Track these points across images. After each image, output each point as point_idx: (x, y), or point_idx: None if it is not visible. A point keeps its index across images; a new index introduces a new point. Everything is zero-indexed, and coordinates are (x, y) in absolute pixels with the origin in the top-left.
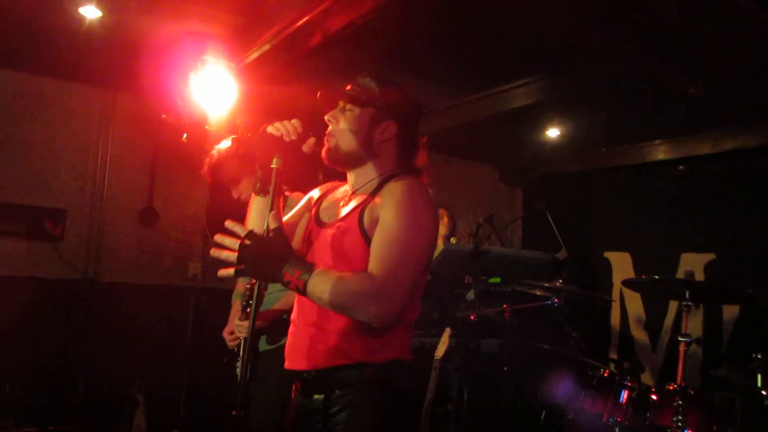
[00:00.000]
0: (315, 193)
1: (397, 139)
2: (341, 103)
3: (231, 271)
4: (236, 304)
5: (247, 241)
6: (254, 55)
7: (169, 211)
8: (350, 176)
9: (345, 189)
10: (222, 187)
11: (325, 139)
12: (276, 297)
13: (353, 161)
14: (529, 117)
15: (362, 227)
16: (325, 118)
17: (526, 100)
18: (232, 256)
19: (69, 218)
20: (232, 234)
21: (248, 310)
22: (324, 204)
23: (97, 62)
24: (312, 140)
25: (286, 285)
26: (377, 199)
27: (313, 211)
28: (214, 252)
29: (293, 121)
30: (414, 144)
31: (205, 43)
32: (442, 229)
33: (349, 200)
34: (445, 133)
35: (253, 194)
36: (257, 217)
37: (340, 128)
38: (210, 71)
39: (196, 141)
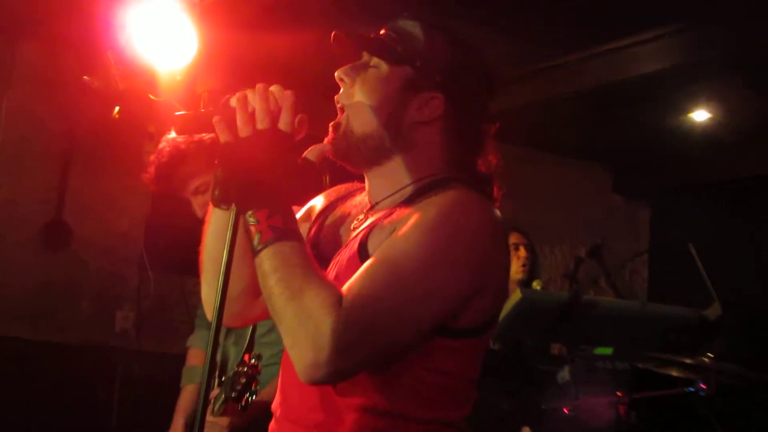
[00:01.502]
0: (318, 202)
1: (445, 121)
2: (365, 56)
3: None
4: (186, 393)
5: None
6: None
7: (88, 228)
8: (368, 181)
9: (363, 198)
10: (173, 197)
11: (320, 150)
12: (268, 375)
13: (371, 154)
14: (662, 91)
15: (364, 261)
16: (336, 75)
17: (657, 63)
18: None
19: None
20: None
21: (236, 398)
22: (329, 220)
23: None
24: (318, 147)
25: (247, 224)
26: (396, 214)
27: (312, 231)
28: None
29: (272, 87)
30: (475, 133)
31: None
32: (515, 267)
33: (364, 219)
34: (524, 114)
35: (210, 205)
36: (214, 240)
37: (355, 98)
38: (159, 8)
39: (134, 118)
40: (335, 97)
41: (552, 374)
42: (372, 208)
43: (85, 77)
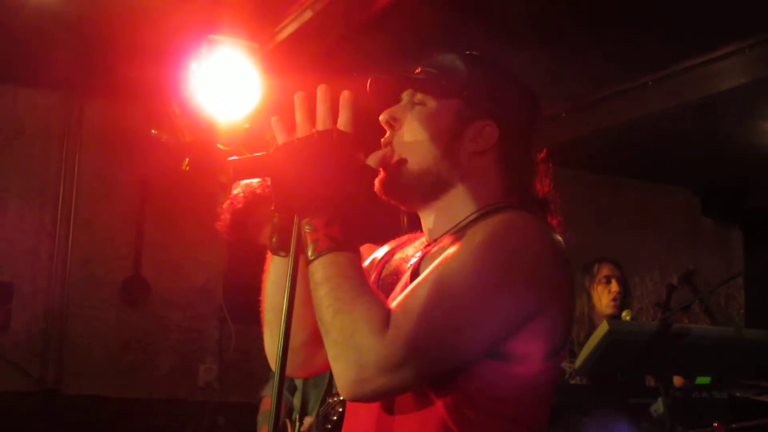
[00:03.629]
0: (380, 253)
1: (500, 149)
2: (406, 95)
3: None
4: None
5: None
6: (289, 30)
7: (165, 283)
8: (425, 218)
9: (421, 241)
10: (249, 246)
11: (382, 156)
12: None
13: (429, 189)
14: (744, 108)
15: None
16: (381, 119)
17: (736, 78)
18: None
19: (16, 297)
20: None
21: None
22: (388, 267)
23: (50, 55)
24: (380, 154)
25: (303, 233)
26: (448, 240)
27: (372, 279)
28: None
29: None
30: (527, 158)
31: (212, 16)
32: (606, 301)
33: (422, 254)
34: (605, 139)
35: (268, 253)
36: (275, 289)
37: (406, 138)
38: (221, 58)
39: (205, 169)
40: (382, 140)
41: (645, 407)
42: (430, 244)
43: (153, 131)
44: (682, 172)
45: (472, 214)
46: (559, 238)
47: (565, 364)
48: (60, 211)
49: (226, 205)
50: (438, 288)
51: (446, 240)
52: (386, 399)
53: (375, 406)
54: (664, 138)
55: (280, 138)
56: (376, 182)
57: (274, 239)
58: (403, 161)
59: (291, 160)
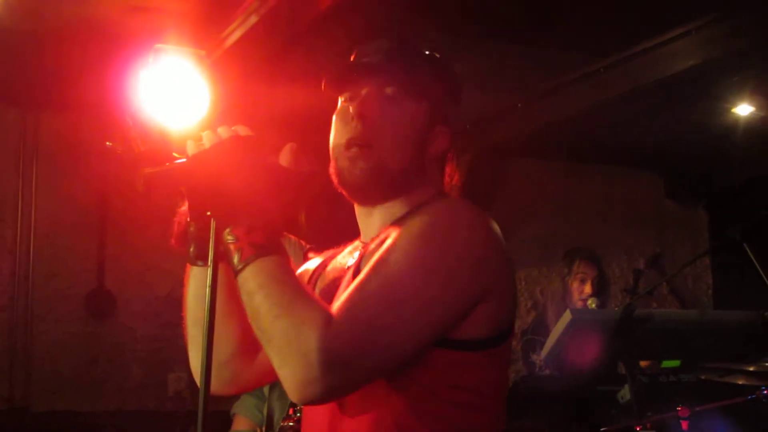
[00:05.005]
0: (311, 265)
1: (449, 154)
2: (365, 88)
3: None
4: None
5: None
6: (236, 35)
7: (130, 293)
8: (368, 217)
9: (355, 245)
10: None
11: (352, 149)
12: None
13: (399, 188)
14: (698, 89)
15: None
16: (354, 109)
17: (685, 61)
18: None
19: None
20: None
21: None
22: (322, 282)
23: (1, 72)
24: (289, 146)
25: (226, 244)
26: (385, 234)
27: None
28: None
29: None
30: (451, 161)
31: (159, 24)
32: (576, 297)
33: (362, 254)
34: (566, 127)
35: (187, 266)
36: (196, 302)
37: (387, 133)
38: (169, 66)
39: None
40: (348, 132)
41: (614, 394)
42: (366, 244)
43: (107, 143)
44: (644, 155)
45: (413, 208)
46: (494, 222)
47: (534, 357)
48: (20, 227)
49: (175, 220)
50: (380, 280)
51: (383, 234)
52: (339, 399)
53: (329, 409)
54: (622, 123)
55: (190, 150)
56: (339, 172)
57: (191, 249)
58: (382, 159)
59: (201, 168)
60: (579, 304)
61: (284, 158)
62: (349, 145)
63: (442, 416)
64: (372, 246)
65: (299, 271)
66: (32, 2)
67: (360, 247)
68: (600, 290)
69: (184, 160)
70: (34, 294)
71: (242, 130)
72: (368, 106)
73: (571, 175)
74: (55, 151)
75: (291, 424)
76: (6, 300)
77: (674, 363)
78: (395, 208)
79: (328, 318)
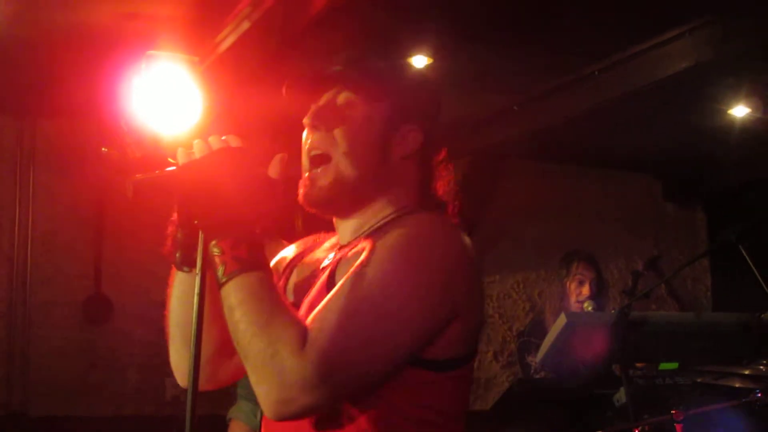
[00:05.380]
0: (288, 253)
1: (421, 154)
2: (327, 96)
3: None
4: None
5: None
6: (229, 41)
7: (127, 299)
8: (344, 223)
9: (333, 243)
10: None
11: (311, 164)
12: None
13: (361, 196)
14: (696, 90)
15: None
16: (307, 121)
17: (681, 62)
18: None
19: None
20: None
21: None
22: (299, 269)
23: None
24: (279, 157)
25: (212, 256)
26: (362, 245)
27: (282, 282)
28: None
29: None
30: (439, 162)
31: (152, 30)
32: (574, 298)
33: (334, 257)
34: (563, 130)
35: (173, 268)
36: (179, 305)
37: (340, 143)
38: (162, 73)
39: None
40: (306, 147)
41: (610, 397)
42: (342, 247)
43: (103, 149)
44: (641, 157)
45: (388, 216)
46: (468, 239)
47: (530, 359)
48: (17, 234)
49: (168, 229)
50: (353, 299)
51: (361, 243)
52: (309, 417)
53: (293, 423)
54: (618, 125)
55: (181, 160)
56: (304, 193)
57: (177, 255)
58: (340, 168)
59: (190, 178)
60: (577, 306)
61: (273, 169)
62: (309, 162)
63: (397, 429)
64: (349, 254)
65: (275, 259)
66: (26, 10)
67: (337, 248)
68: (598, 292)
69: (173, 168)
70: (31, 300)
71: (233, 141)
72: (319, 117)
73: (568, 177)
74: (51, 157)
75: None
76: (3, 306)
77: (672, 365)
78: (369, 212)
79: (304, 338)
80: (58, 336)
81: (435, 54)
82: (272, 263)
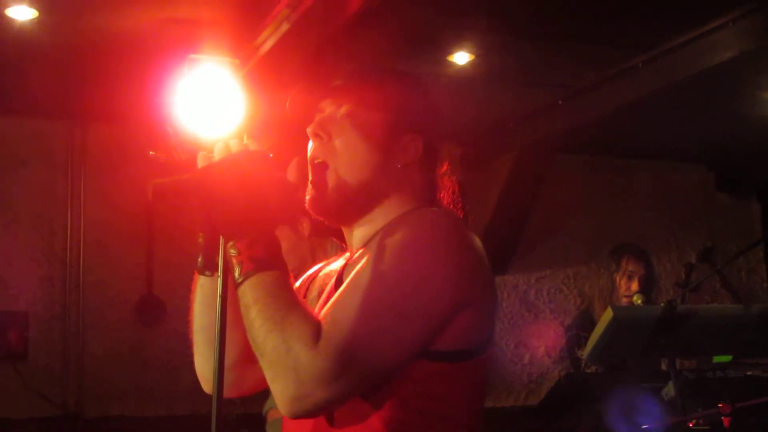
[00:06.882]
0: (311, 272)
1: (423, 162)
2: (329, 107)
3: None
4: None
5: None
6: (269, 43)
7: (179, 299)
8: (352, 232)
9: (345, 256)
10: None
11: (312, 173)
12: None
13: (365, 204)
14: (741, 80)
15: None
16: (310, 130)
17: (725, 52)
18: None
19: (33, 325)
20: None
21: None
22: (312, 290)
23: (47, 85)
24: (296, 161)
25: (229, 257)
26: (368, 246)
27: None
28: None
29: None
30: (441, 170)
31: (193, 34)
32: (623, 291)
33: (346, 263)
34: (611, 122)
35: (195, 273)
36: (202, 309)
37: (341, 151)
38: (204, 76)
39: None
40: (308, 156)
41: (659, 391)
42: (353, 253)
43: (150, 152)
44: (691, 148)
45: (392, 218)
46: (472, 233)
47: (579, 353)
48: (69, 237)
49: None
50: (362, 293)
51: (367, 246)
52: (325, 413)
53: (310, 424)
54: (664, 118)
55: (200, 164)
56: (308, 200)
57: (199, 259)
58: (339, 176)
59: (209, 181)
60: (625, 301)
61: (291, 173)
62: (311, 170)
63: (413, 425)
64: (356, 256)
65: (300, 280)
66: (71, 18)
67: (347, 257)
68: (647, 287)
69: (183, 176)
70: (84, 302)
71: (252, 144)
72: (321, 126)
73: (617, 170)
74: (101, 161)
75: None
76: (58, 309)
77: (726, 358)
78: (376, 220)
79: (318, 334)
80: (112, 337)
81: (477, 50)
82: (297, 284)
